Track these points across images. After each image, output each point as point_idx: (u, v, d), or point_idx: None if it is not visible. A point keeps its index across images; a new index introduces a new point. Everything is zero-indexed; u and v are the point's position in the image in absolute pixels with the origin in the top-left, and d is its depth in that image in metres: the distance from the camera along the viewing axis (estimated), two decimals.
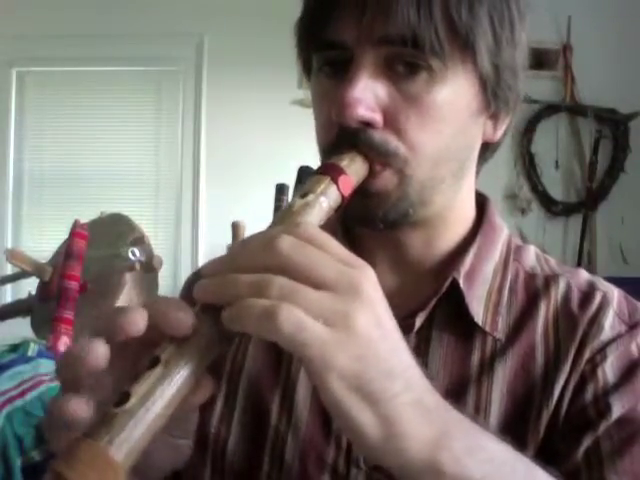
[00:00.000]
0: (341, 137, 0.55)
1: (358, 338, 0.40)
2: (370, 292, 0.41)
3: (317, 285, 0.40)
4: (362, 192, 0.55)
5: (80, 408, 0.39)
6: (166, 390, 0.39)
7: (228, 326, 0.40)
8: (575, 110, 3.25)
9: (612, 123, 3.22)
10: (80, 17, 3.37)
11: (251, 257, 0.42)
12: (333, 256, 0.42)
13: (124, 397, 0.38)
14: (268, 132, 3.27)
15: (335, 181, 0.51)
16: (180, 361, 0.40)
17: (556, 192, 3.29)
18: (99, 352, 0.39)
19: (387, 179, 0.56)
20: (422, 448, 0.41)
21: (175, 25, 3.36)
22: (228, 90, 3.35)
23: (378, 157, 0.55)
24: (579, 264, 3.17)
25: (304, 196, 0.49)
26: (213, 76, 3.41)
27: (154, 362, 0.40)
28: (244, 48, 3.29)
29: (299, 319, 0.39)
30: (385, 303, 0.43)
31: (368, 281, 0.42)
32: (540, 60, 3.19)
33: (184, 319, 0.40)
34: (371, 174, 0.56)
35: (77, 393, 0.40)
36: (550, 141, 3.26)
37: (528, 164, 3.26)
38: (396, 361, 0.42)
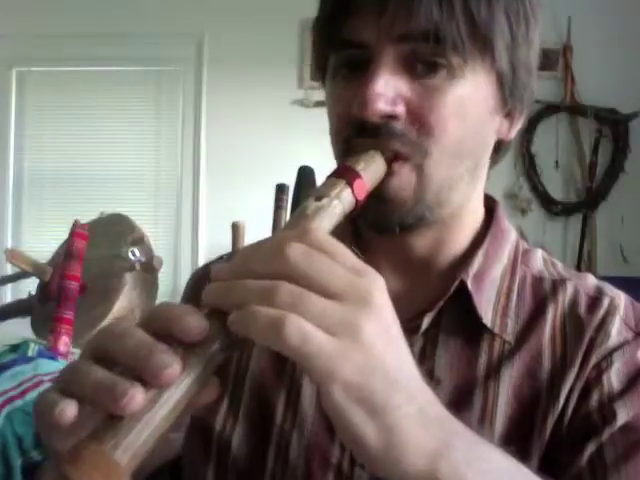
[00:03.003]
0: (363, 131, 0.55)
1: (364, 349, 0.40)
2: (378, 302, 0.41)
3: (325, 294, 0.40)
4: (378, 197, 0.55)
5: (75, 416, 0.38)
6: (173, 395, 0.39)
7: (234, 331, 0.40)
8: (575, 110, 3.26)
9: (612, 123, 3.22)
10: (80, 17, 3.37)
11: (261, 263, 0.41)
12: (343, 265, 0.41)
13: None
14: (268, 132, 3.28)
15: (350, 185, 0.51)
16: (187, 366, 0.40)
17: (556, 192, 3.29)
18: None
19: (405, 177, 0.56)
20: (421, 459, 0.41)
21: (175, 25, 3.36)
22: (228, 90, 3.35)
23: (401, 147, 0.55)
24: (579, 264, 3.17)
25: (318, 199, 0.49)
26: (213, 76, 3.41)
27: None
28: (244, 48, 3.29)
29: (305, 331, 0.38)
30: (393, 313, 0.43)
31: (377, 291, 0.42)
32: (540, 60, 3.18)
33: (198, 324, 0.40)
34: (389, 172, 0.56)
35: (72, 398, 0.39)
36: (550, 141, 3.26)
37: (528, 164, 3.26)
38: (400, 373, 0.42)
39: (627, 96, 3.16)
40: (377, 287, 0.42)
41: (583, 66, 3.23)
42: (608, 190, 3.24)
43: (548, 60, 3.23)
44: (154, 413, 0.38)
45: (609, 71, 3.17)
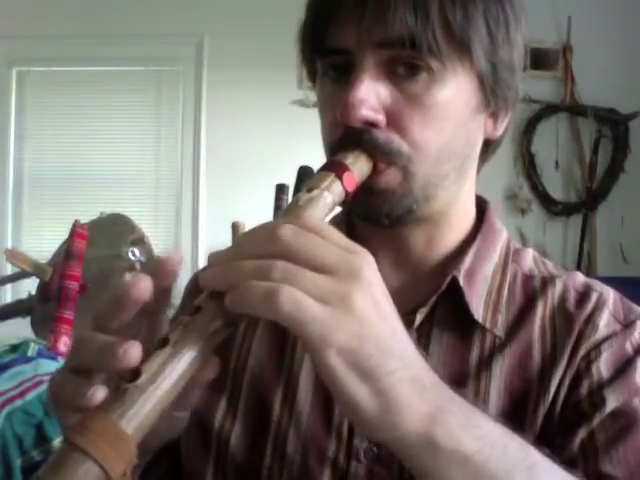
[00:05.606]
0: (346, 137, 0.57)
1: (357, 317, 0.42)
2: (369, 275, 0.43)
3: (318, 269, 0.42)
4: (367, 189, 0.57)
5: (96, 394, 0.40)
6: (175, 369, 0.41)
7: (232, 308, 0.42)
8: (575, 110, 3.26)
9: (612, 123, 3.22)
10: (80, 17, 3.37)
11: (255, 245, 0.43)
12: (333, 243, 0.43)
13: (135, 374, 0.40)
14: (268, 132, 3.28)
15: (340, 177, 0.53)
16: (188, 342, 0.42)
17: (556, 192, 3.30)
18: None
19: (391, 176, 0.58)
20: (417, 422, 0.42)
21: (175, 25, 3.37)
22: (228, 90, 3.35)
23: (382, 156, 0.57)
24: (579, 264, 3.17)
25: (309, 191, 0.51)
26: (213, 76, 3.41)
27: (164, 342, 0.42)
28: (244, 48, 3.29)
29: (298, 299, 0.40)
30: (383, 287, 0.45)
31: (367, 265, 0.43)
32: (540, 60, 3.19)
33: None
34: (375, 172, 0.57)
35: (87, 377, 0.41)
36: (550, 141, 3.26)
37: (528, 164, 3.26)
38: (394, 340, 0.44)
39: (627, 96, 3.16)
40: (367, 262, 0.44)
41: (583, 66, 3.23)
42: (608, 190, 3.25)
43: (548, 60, 3.23)
44: (157, 386, 0.40)
45: (609, 71, 3.17)
